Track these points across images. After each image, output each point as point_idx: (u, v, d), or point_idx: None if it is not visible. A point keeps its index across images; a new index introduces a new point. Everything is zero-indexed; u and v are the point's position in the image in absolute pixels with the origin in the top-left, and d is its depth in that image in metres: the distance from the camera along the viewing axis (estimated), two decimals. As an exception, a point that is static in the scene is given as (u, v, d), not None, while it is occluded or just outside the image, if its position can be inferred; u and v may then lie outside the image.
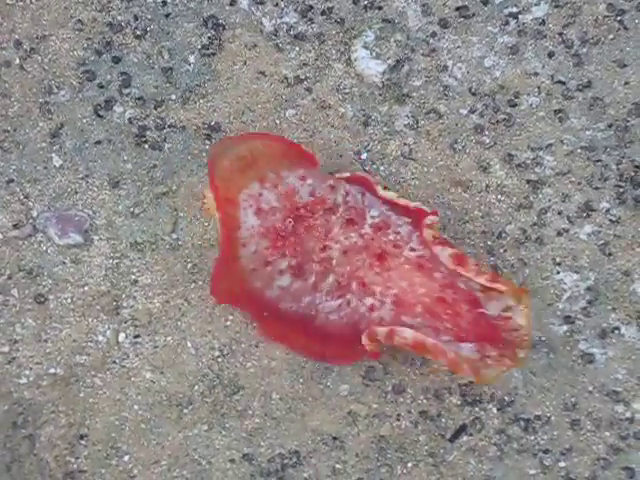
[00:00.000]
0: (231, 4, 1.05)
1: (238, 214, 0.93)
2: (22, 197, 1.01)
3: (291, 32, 1.04)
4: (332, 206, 0.94)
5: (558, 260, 1.00)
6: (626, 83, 1.02)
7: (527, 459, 0.98)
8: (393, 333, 0.90)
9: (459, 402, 0.99)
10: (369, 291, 0.93)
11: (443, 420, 0.99)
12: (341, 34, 1.04)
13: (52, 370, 0.99)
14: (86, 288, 1.00)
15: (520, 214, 1.01)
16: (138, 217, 1.02)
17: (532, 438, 0.98)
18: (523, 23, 1.04)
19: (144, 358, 0.99)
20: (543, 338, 0.99)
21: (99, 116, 1.03)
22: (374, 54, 1.02)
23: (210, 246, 1.01)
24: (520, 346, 0.91)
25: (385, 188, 0.95)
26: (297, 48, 1.04)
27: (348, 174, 0.95)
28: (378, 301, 0.93)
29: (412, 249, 0.93)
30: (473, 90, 1.02)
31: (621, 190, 1.01)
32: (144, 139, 1.03)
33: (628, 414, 0.98)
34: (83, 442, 0.98)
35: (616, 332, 0.99)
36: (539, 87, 1.02)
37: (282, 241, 0.93)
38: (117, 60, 1.04)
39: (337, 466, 0.98)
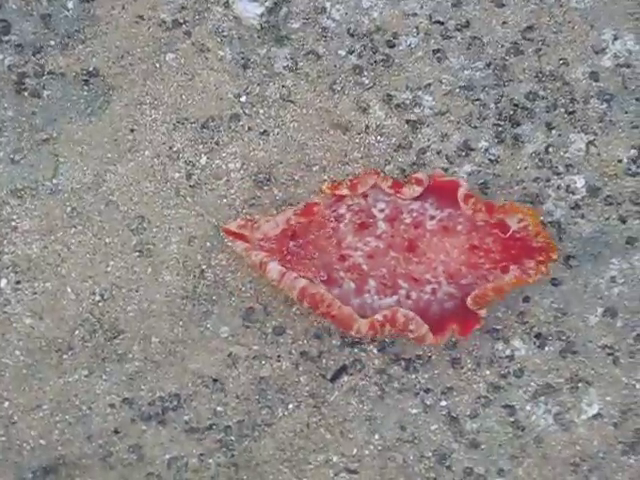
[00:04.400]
0: (109, -52, 1.04)
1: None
2: None
3: (170, -24, 1.04)
4: (336, 217, 0.94)
5: (435, 199, 1.00)
6: (504, 22, 1.02)
7: (408, 398, 0.98)
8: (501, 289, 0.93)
9: (339, 343, 0.99)
10: (423, 281, 0.94)
11: (324, 361, 0.99)
12: (221, -23, 1.03)
13: None
14: (-37, 235, 1.00)
15: (399, 154, 1.01)
16: (18, 164, 1.01)
17: (413, 377, 0.99)
18: (403, -36, 1.03)
19: (24, 304, 0.99)
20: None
21: (-23, 63, 1.02)
22: (254, -3, 1.02)
23: (87, 190, 1.01)
24: (549, 249, 0.94)
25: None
26: (177, -8, 1.03)
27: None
28: (436, 284, 0.94)
29: (431, 217, 0.94)
30: (351, 31, 1.02)
31: (500, 129, 1.01)
32: (23, 86, 1.02)
33: (508, 352, 0.99)
34: (-40, 388, 0.98)
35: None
36: (417, 27, 1.02)
37: (291, 261, 0.94)
38: (-5, 6, 1.03)
39: (218, 408, 0.98)
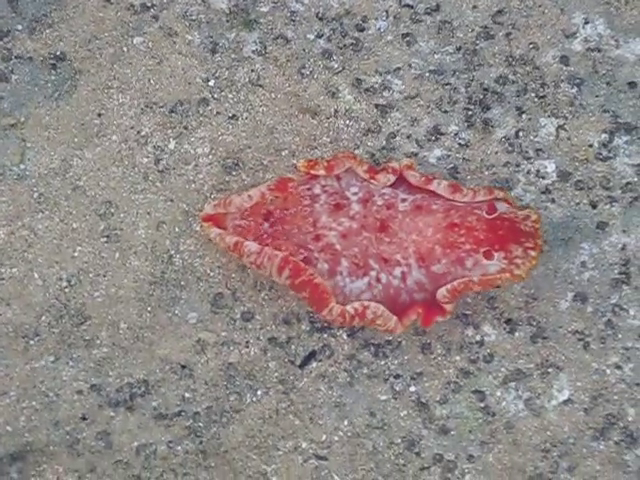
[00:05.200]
0: None
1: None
2: None
3: (138, -41, 1.03)
4: (312, 197, 0.93)
5: (406, 184, 0.99)
6: (474, 7, 1.02)
7: (378, 384, 0.98)
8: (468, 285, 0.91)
9: (308, 328, 0.98)
10: (392, 262, 0.92)
11: (292, 346, 0.98)
12: (189, -39, 1.03)
13: None
14: None
15: (369, 138, 1.00)
16: (-15, 149, 1.00)
17: (382, 363, 0.98)
18: (373, -53, 1.03)
19: (-9, 290, 0.98)
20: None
21: (-58, 46, 1.02)
22: (222, -20, 1.01)
23: (55, 175, 1.00)
24: (537, 235, 0.92)
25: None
26: (145, -25, 1.03)
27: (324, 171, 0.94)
28: (406, 266, 0.92)
29: (403, 199, 0.93)
30: (320, 15, 1.01)
31: (470, 113, 1.00)
32: (-10, 70, 1.01)
33: (478, 337, 0.98)
34: None
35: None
36: (387, 11, 1.01)
37: (267, 241, 0.93)
38: (-39, -10, 1.02)
39: (186, 394, 0.98)
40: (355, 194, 0.94)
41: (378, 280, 0.93)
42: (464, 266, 0.92)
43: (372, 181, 0.93)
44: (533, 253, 0.92)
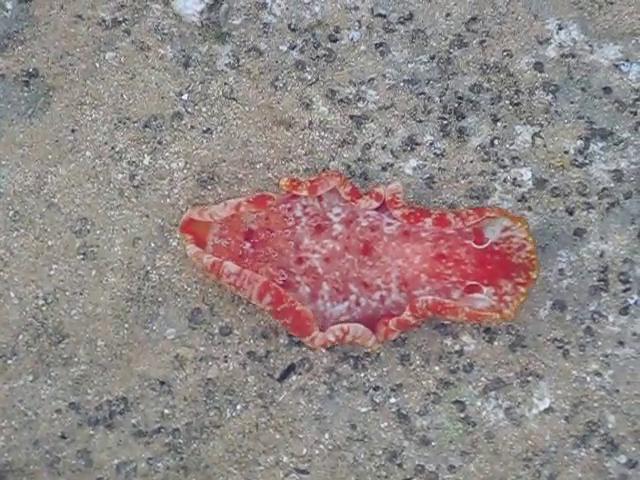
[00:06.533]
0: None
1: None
2: None
3: (109, -26, 1.02)
4: (295, 218, 0.92)
5: (382, 195, 0.99)
6: (447, 15, 1.01)
7: (358, 397, 0.98)
8: (414, 307, 0.90)
9: (287, 342, 0.98)
10: (373, 287, 0.91)
11: (271, 360, 0.98)
12: (160, -26, 1.02)
13: None
14: None
15: (344, 150, 1.00)
16: (-41, 168, 1.00)
17: (362, 375, 0.98)
18: (345, -43, 1.02)
19: (-33, 310, 0.98)
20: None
21: None
22: (194, -7, 1.01)
23: (29, 192, 1.00)
24: (531, 267, 0.90)
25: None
26: (116, -10, 1.02)
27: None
28: (385, 290, 0.91)
29: (389, 223, 0.92)
30: (293, 26, 1.01)
31: (445, 122, 1.00)
32: (-37, 88, 1.01)
33: (457, 347, 0.98)
34: None
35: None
36: (359, 21, 1.01)
37: (248, 262, 0.92)
38: None
39: (165, 411, 0.97)
40: (337, 215, 0.93)
41: (357, 304, 0.93)
42: (450, 296, 0.92)
43: (353, 204, 0.93)
44: (522, 290, 0.91)
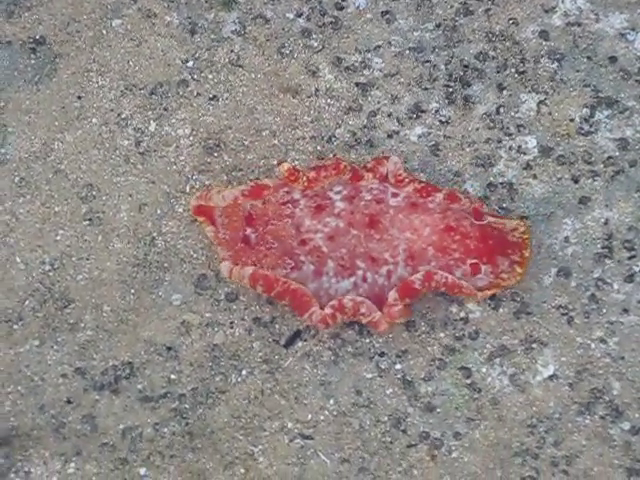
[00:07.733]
0: None
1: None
2: None
3: (116, -59, 1.02)
4: (291, 202, 0.92)
5: (389, 162, 0.99)
6: (453, -18, 1.01)
7: (363, 363, 0.98)
8: (430, 277, 0.90)
9: (292, 308, 0.98)
10: (380, 261, 0.91)
11: (277, 326, 0.98)
12: (166, -58, 1.02)
13: None
14: None
15: (350, 117, 1.00)
16: (-35, 134, 1.00)
17: (367, 341, 0.98)
18: None
19: (-27, 276, 0.98)
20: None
21: None
22: (200, -39, 1.01)
23: (36, 159, 1.00)
24: (524, 246, 0.91)
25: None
26: (122, -43, 1.02)
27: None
28: (393, 264, 0.91)
29: (394, 194, 0.92)
30: (299, -6, 1.01)
31: (450, 90, 1.00)
32: (-31, 55, 1.01)
33: (462, 314, 0.98)
34: None
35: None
36: (366, -11, 1.01)
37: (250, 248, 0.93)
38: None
39: (172, 376, 0.98)
40: (338, 193, 0.93)
41: (364, 279, 0.93)
42: (453, 275, 0.92)
43: (355, 184, 0.93)
44: (519, 269, 0.92)
